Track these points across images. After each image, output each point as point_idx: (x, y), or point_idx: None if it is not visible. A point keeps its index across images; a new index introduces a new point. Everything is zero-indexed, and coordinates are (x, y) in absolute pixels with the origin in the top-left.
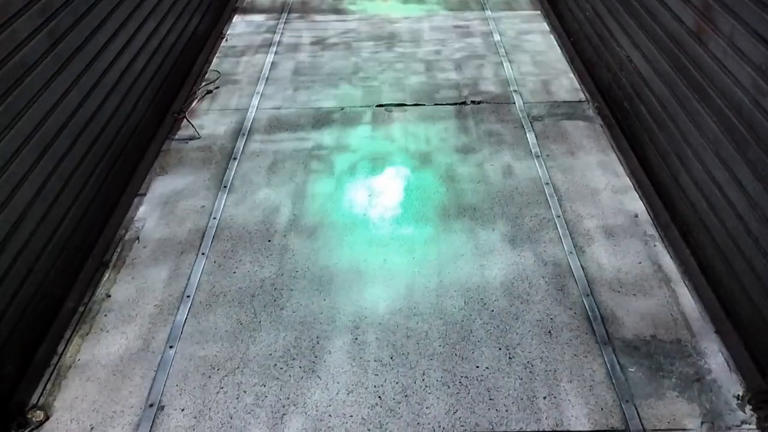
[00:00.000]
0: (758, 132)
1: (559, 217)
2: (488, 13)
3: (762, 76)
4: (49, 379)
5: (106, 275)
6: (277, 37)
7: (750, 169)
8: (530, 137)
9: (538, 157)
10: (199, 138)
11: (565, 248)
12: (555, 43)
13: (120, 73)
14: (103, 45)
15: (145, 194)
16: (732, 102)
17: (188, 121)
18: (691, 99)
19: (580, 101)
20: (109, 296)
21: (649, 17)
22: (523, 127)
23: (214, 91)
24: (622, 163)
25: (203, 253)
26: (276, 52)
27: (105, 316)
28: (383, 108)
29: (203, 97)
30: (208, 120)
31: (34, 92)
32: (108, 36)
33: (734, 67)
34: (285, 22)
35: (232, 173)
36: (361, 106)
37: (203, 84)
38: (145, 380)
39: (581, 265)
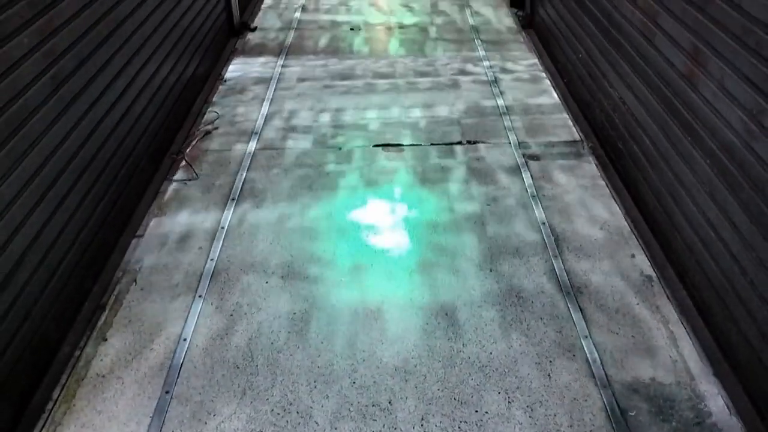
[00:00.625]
0: (750, 174)
1: (556, 257)
2: (481, 53)
3: (753, 119)
4: (44, 426)
5: (103, 318)
6: (275, 79)
7: (743, 211)
8: (525, 177)
9: (534, 197)
10: (197, 179)
11: (563, 290)
12: (549, 83)
13: (121, 115)
14: (105, 88)
15: (142, 236)
16: (723, 144)
17: (187, 161)
18: (683, 140)
19: (574, 141)
20: (106, 340)
21: (640, 59)
22: (518, 166)
23: (212, 132)
24: (617, 203)
25: (200, 296)
26: (273, 95)
27: (101, 360)
28: (381, 147)
29: (202, 137)
30: (207, 161)
31: (35, 136)
32: (110, 79)
33: (725, 110)
34: (282, 65)
35: (230, 214)
36: (358, 146)
37: (202, 125)
38: (140, 426)
39: (579, 307)
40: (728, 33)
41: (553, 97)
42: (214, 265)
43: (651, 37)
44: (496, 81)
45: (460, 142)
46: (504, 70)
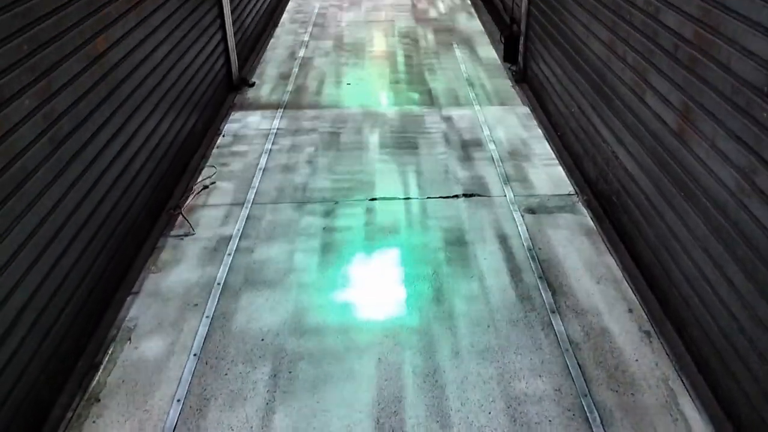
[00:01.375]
0: (745, 232)
1: (554, 312)
2: (477, 107)
3: (745, 178)
4: None
5: (96, 378)
6: (273, 132)
7: (740, 268)
8: (521, 230)
9: (530, 250)
10: (194, 234)
11: (561, 346)
12: (543, 136)
13: (119, 173)
14: (103, 146)
15: (138, 292)
16: (717, 202)
17: (184, 217)
18: (677, 196)
19: (569, 194)
20: (99, 401)
21: (631, 116)
22: (513, 219)
23: (210, 186)
24: (613, 257)
25: (195, 354)
26: (271, 149)
27: (93, 422)
28: (377, 201)
29: (200, 192)
30: (204, 215)
31: (33, 197)
32: (108, 137)
33: (717, 168)
34: (281, 118)
35: (227, 269)
36: (355, 199)
37: (200, 179)
38: None
39: (578, 363)
40: (718, 92)
41: (547, 150)
42: (209, 323)
43: (642, 94)
44: (490, 134)
45: (456, 196)
46: (498, 123)
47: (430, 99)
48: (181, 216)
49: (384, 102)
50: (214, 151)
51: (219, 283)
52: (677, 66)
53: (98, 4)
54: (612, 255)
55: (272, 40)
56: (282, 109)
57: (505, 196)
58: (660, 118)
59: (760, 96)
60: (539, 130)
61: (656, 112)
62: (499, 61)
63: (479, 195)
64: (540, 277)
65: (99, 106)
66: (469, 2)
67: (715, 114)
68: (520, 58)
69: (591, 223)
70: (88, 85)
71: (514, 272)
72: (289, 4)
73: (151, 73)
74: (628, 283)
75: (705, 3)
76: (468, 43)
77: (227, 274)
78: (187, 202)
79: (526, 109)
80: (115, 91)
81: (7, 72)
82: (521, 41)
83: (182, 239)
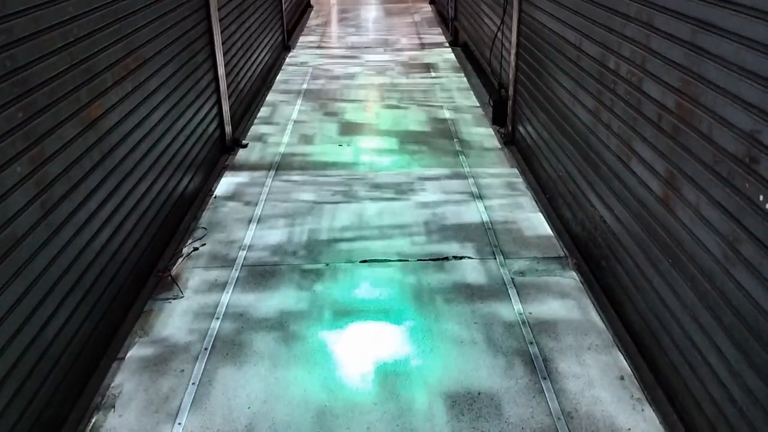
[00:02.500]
0: (732, 301)
1: (545, 378)
2: (467, 169)
3: (730, 247)
4: None
5: None
6: (264, 195)
7: (727, 336)
8: (511, 293)
9: (521, 314)
10: (182, 297)
11: (553, 414)
12: (531, 198)
13: (108, 237)
14: (94, 211)
15: (123, 358)
16: (704, 269)
17: (173, 280)
18: (664, 262)
19: (558, 257)
20: None
21: (617, 181)
22: (504, 282)
23: (200, 249)
24: (604, 322)
25: (180, 423)
26: (262, 212)
27: None
28: (367, 263)
29: (189, 254)
30: (193, 278)
31: (21, 263)
32: (100, 202)
33: (703, 236)
34: (273, 179)
35: (214, 334)
36: (346, 262)
37: (190, 242)
38: None
39: None
40: (700, 161)
41: (536, 212)
42: (195, 389)
43: (627, 161)
44: (480, 196)
45: (446, 258)
46: (487, 184)
47: (419, 160)
48: (170, 279)
49: (377, 163)
50: (206, 213)
51: (206, 349)
52: (661, 135)
53: (95, 71)
54: (603, 320)
55: (266, 101)
56: (274, 171)
57: (495, 258)
58: (645, 185)
59: (742, 166)
60: (528, 193)
61: (642, 178)
62: (488, 123)
63: (469, 257)
64: (531, 342)
65: (92, 170)
66: (459, 65)
67: (698, 182)
68: (508, 121)
69: (581, 286)
70: (81, 150)
71: (504, 337)
72: (286, 61)
73: (146, 136)
74: (619, 349)
75: (685, 75)
76: (457, 103)
77: (215, 340)
78: (177, 264)
79: (515, 171)
80: (109, 156)
81: (1, 139)
82: (509, 105)
83: (170, 302)
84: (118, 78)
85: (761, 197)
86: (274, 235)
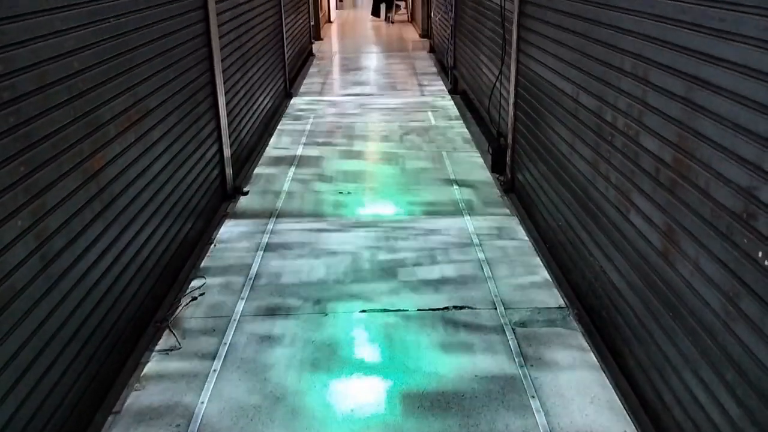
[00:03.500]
0: (733, 357)
1: None
2: (466, 217)
3: (730, 302)
4: None
5: None
6: (264, 241)
7: (730, 393)
8: (512, 345)
9: (522, 367)
10: (180, 348)
11: None
12: (531, 247)
13: (107, 288)
14: (94, 262)
15: (119, 412)
16: (704, 324)
17: (171, 330)
18: (665, 316)
19: (559, 307)
20: None
21: (617, 233)
22: (504, 332)
23: (199, 298)
24: (606, 376)
25: None
26: (261, 259)
27: None
28: (365, 313)
29: (188, 304)
30: (191, 329)
31: (18, 316)
32: (99, 253)
33: (703, 290)
34: (272, 229)
35: (211, 386)
36: (343, 312)
37: (188, 291)
38: None
39: None
40: (699, 216)
41: (536, 261)
42: None
43: (626, 213)
44: (480, 245)
45: (446, 308)
46: (487, 232)
47: (420, 208)
48: (168, 329)
49: (376, 210)
50: (205, 261)
51: (203, 402)
52: (659, 188)
53: (97, 124)
54: (605, 373)
55: (267, 149)
56: (274, 218)
57: (495, 308)
58: (645, 237)
59: (740, 222)
60: (528, 241)
61: (641, 231)
62: (487, 171)
63: (469, 307)
64: (532, 396)
65: (92, 222)
66: (459, 113)
67: (697, 236)
68: (507, 170)
69: (582, 338)
70: (82, 201)
71: (505, 390)
72: (288, 108)
73: (147, 186)
74: (622, 404)
75: (681, 129)
76: (457, 151)
77: (211, 391)
78: (175, 314)
79: (515, 219)
80: (110, 206)
81: (2, 194)
82: (508, 153)
83: (168, 354)
84: (122, 129)
85: (760, 254)
86: (274, 282)
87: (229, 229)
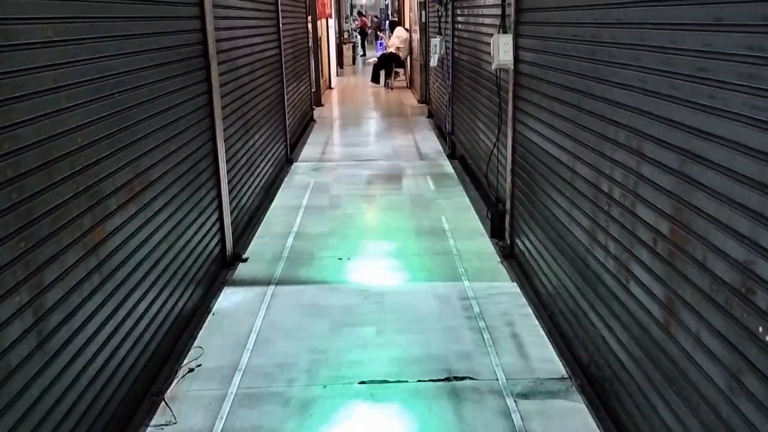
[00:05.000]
0: None
1: None
2: (466, 283)
3: (733, 377)
4: None
5: None
6: (262, 311)
7: None
8: (515, 417)
9: None
10: (175, 423)
11: None
12: (533, 315)
13: (104, 362)
14: (90, 336)
15: None
16: (708, 399)
17: (166, 404)
18: (668, 390)
19: (562, 378)
20: None
21: (617, 303)
22: (507, 405)
23: (195, 370)
24: None
25: None
26: (260, 328)
27: None
28: (365, 384)
29: (184, 376)
30: (187, 402)
31: (12, 396)
32: (97, 326)
33: (705, 365)
34: (272, 296)
35: None
36: (344, 383)
37: (185, 362)
38: None
39: None
40: (697, 289)
41: (537, 330)
42: None
43: (626, 283)
44: (480, 312)
45: (447, 378)
46: (487, 299)
47: (420, 273)
48: (163, 403)
49: (376, 277)
50: (203, 331)
51: None
52: (657, 259)
53: (99, 197)
54: None
55: (268, 214)
56: (274, 285)
57: (497, 379)
58: (645, 308)
59: (739, 296)
60: (529, 309)
61: (641, 302)
62: (487, 236)
63: (470, 378)
64: None
65: (90, 295)
66: (457, 178)
67: (697, 310)
68: (506, 235)
69: (586, 410)
70: (81, 275)
71: None
72: (289, 174)
73: (147, 257)
74: None
75: (676, 202)
76: (455, 215)
77: None
78: (171, 387)
79: (515, 286)
80: (109, 279)
81: (1, 270)
82: (507, 219)
83: (163, 429)
84: (123, 201)
85: (761, 329)
86: (273, 355)
87: (228, 297)
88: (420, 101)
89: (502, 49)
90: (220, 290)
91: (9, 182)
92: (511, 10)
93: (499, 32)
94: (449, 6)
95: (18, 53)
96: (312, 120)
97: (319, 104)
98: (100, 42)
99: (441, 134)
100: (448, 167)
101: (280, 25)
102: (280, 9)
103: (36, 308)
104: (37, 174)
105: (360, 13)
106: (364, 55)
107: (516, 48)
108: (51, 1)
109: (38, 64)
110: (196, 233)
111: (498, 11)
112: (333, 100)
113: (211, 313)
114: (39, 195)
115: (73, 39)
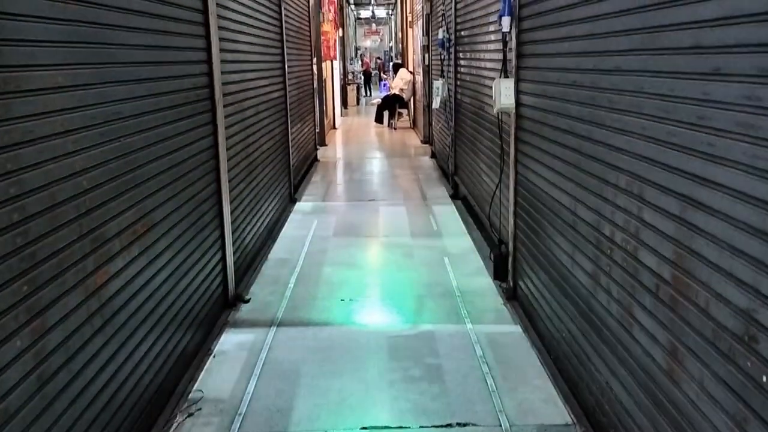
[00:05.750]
0: None
1: None
2: (469, 326)
3: (738, 427)
4: None
5: None
6: (263, 354)
7: None
8: None
9: None
10: None
11: None
12: (537, 358)
13: (103, 405)
14: (91, 379)
15: None
16: None
17: None
18: None
19: (567, 424)
20: None
21: (621, 348)
22: None
23: (195, 413)
24: None
25: None
26: (261, 372)
27: None
28: (366, 430)
29: (183, 420)
30: None
31: None
32: (97, 369)
33: (710, 413)
34: (273, 339)
35: None
36: (345, 428)
37: (185, 406)
38: None
39: None
40: (701, 335)
41: (542, 374)
42: None
43: (629, 328)
44: (483, 355)
45: (449, 425)
46: (491, 343)
47: (422, 316)
48: None
49: (378, 319)
50: (203, 374)
51: None
52: (660, 305)
53: (103, 239)
54: None
55: (270, 254)
56: (276, 327)
57: (500, 425)
58: (649, 355)
59: (742, 344)
60: (533, 352)
61: (645, 348)
62: (490, 278)
63: (473, 425)
64: None
65: (91, 338)
66: (460, 218)
67: (701, 357)
68: (509, 277)
69: None
70: (82, 318)
71: None
72: (292, 213)
73: (149, 299)
74: None
75: (678, 248)
76: (459, 258)
77: None
78: (170, 431)
79: (519, 329)
80: (110, 322)
81: (3, 315)
82: (510, 261)
83: None
84: (126, 244)
85: (765, 378)
86: (274, 401)
87: (229, 339)
88: (423, 141)
89: (503, 93)
90: (221, 332)
91: (14, 226)
92: (512, 55)
93: (500, 76)
94: (451, 50)
95: (29, 99)
96: (316, 160)
97: (323, 144)
98: (109, 87)
99: (444, 174)
100: (450, 207)
101: (286, 67)
102: (285, 52)
103: (37, 352)
104: (42, 218)
105: (362, 56)
106: (369, 95)
107: (517, 92)
108: (61, 49)
109: (48, 110)
110: (198, 274)
111: (499, 56)
112: (337, 140)
113: (212, 355)
114: (43, 238)
115: (82, 84)
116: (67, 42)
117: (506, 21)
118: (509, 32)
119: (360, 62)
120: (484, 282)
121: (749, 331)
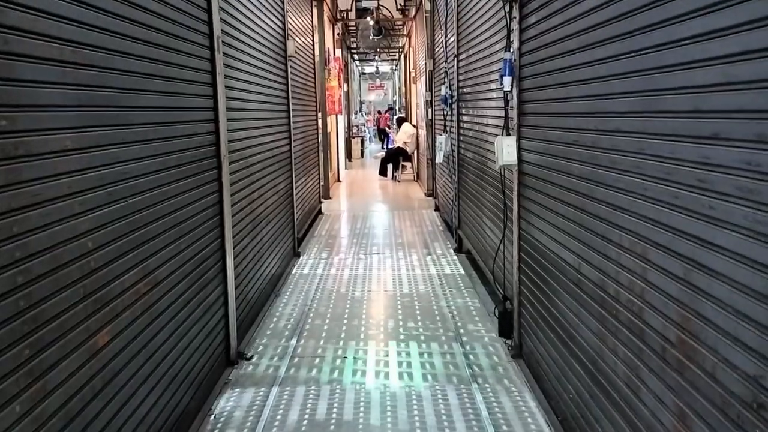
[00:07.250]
0: None
1: None
2: (474, 385)
3: None
4: None
5: None
6: (265, 414)
7: None
8: None
9: None
10: None
11: None
12: (543, 419)
13: None
14: None
15: None
16: None
17: None
18: None
19: None
20: None
21: (629, 411)
22: None
23: None
24: None
25: None
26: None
27: None
28: None
29: None
30: None
31: None
32: (101, 428)
33: None
34: (275, 398)
35: None
36: None
37: None
38: None
39: None
40: (709, 401)
41: None
42: None
43: (637, 391)
44: (489, 417)
45: None
46: (496, 406)
47: (425, 375)
48: None
49: (382, 377)
50: None
51: None
52: (667, 368)
53: (106, 300)
54: None
55: (273, 310)
56: (278, 386)
57: None
58: (658, 419)
59: (750, 412)
60: (538, 413)
61: (653, 411)
62: (494, 335)
63: None
64: None
65: (91, 401)
66: (464, 272)
67: (710, 423)
68: (514, 334)
69: None
70: (83, 381)
71: None
72: (296, 267)
73: (150, 359)
74: None
75: (683, 310)
76: (463, 313)
77: None
78: None
79: (524, 388)
80: (110, 383)
81: (4, 379)
82: (514, 317)
83: None
84: (129, 303)
85: None
86: None
87: (230, 399)
88: (427, 194)
89: (505, 150)
90: (222, 391)
91: (17, 289)
92: (513, 114)
93: (502, 134)
94: (454, 106)
95: (37, 163)
96: (320, 213)
97: (328, 197)
98: (116, 148)
99: (447, 228)
100: (454, 262)
101: (291, 122)
102: (291, 108)
103: (36, 416)
104: (46, 280)
105: (379, 112)
106: (384, 147)
107: (519, 149)
108: (69, 113)
109: (55, 173)
110: (200, 332)
111: (501, 113)
112: (341, 192)
113: (212, 416)
114: (47, 300)
115: (90, 147)
116: (76, 106)
117: (507, 80)
118: (510, 91)
119: (375, 118)
120: (489, 339)
121: (758, 399)
